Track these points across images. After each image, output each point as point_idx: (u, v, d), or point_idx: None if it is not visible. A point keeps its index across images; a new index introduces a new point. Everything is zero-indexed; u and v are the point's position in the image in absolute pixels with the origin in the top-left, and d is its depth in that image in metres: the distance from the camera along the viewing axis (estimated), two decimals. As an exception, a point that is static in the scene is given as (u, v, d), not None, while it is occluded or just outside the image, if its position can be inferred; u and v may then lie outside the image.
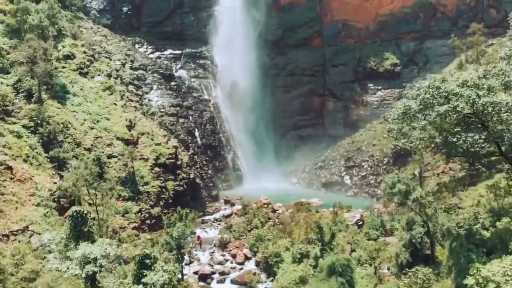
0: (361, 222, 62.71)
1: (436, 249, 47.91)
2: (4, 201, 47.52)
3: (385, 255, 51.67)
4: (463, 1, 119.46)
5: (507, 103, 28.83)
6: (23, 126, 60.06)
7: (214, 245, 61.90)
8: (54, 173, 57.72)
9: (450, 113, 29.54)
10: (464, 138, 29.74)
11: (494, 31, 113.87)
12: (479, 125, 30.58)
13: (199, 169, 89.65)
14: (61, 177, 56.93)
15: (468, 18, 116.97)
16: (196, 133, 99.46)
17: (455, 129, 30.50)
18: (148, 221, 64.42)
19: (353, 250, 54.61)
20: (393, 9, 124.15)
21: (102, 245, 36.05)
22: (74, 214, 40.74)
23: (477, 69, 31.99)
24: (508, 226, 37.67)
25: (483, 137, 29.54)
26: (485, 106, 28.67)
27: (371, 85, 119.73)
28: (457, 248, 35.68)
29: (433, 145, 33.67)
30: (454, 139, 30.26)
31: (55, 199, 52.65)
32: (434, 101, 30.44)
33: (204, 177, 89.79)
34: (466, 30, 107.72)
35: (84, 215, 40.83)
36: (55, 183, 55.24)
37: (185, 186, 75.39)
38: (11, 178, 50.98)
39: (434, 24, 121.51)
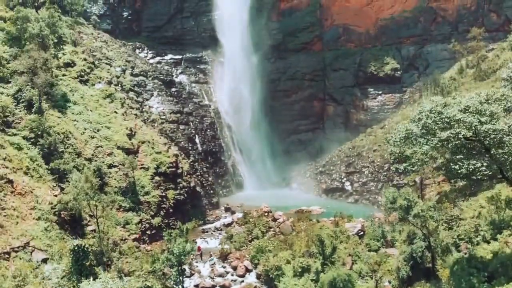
0: (362, 233, 62.62)
1: (438, 262, 47.96)
2: (5, 215, 47.50)
3: (386, 267, 51.65)
4: (464, 6, 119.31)
5: (509, 126, 28.72)
6: (24, 138, 59.91)
7: (214, 257, 61.70)
8: (55, 185, 57.62)
9: (452, 140, 29.50)
10: (466, 166, 29.70)
11: (495, 35, 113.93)
12: (482, 150, 30.46)
13: (199, 176, 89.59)
14: (62, 189, 56.89)
15: (468, 22, 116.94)
16: (197, 140, 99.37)
17: (457, 157, 30.43)
18: (148, 232, 64.35)
19: (354, 262, 54.58)
20: (394, 13, 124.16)
21: (104, 282, 35.83)
22: (76, 248, 40.65)
23: (479, 93, 31.64)
24: (510, 252, 37.43)
25: (485, 164, 29.48)
26: (488, 133, 28.63)
27: (372, 89, 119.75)
28: (459, 272, 35.61)
29: (434, 165, 33.56)
30: (456, 167, 30.23)
31: (56, 213, 52.60)
32: (435, 127, 30.41)
33: (205, 184, 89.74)
34: (467, 34, 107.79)
35: (85, 249, 40.69)
36: (55, 195, 55.18)
37: (185, 195, 75.33)
38: (12, 192, 50.94)
39: (435, 29, 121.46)
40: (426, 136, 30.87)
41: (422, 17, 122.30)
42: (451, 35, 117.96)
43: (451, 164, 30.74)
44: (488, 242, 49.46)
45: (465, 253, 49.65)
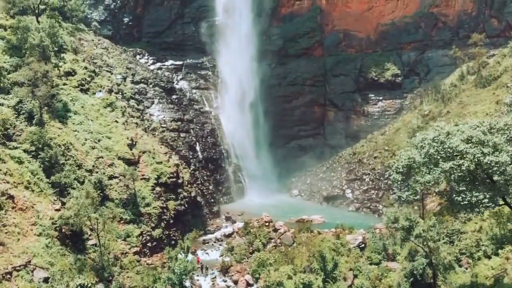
0: (363, 245, 62.48)
1: (439, 278, 47.94)
2: (6, 232, 47.41)
3: (387, 283, 51.67)
4: (464, 11, 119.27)
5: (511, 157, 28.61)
6: (24, 151, 59.42)
7: (215, 270, 61.61)
8: (56, 199, 57.40)
9: (454, 171, 29.44)
10: (469, 198, 29.62)
11: (496, 41, 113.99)
12: (485, 180, 30.35)
13: (200, 185, 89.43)
14: (63, 203, 56.73)
15: (469, 28, 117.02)
16: (197, 147, 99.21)
17: (460, 188, 30.37)
18: (149, 244, 64.15)
19: (355, 277, 54.53)
20: (394, 19, 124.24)
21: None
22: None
23: (482, 123, 31.47)
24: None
25: (488, 196, 29.39)
26: (490, 165, 28.56)
27: (372, 95, 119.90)
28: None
29: (437, 190, 33.50)
30: (459, 198, 30.18)
31: (57, 228, 52.45)
32: (438, 156, 30.36)
33: (205, 193, 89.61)
34: (468, 40, 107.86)
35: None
36: (57, 210, 55.02)
37: (186, 205, 75.19)
38: (13, 208, 50.80)
39: (435, 34, 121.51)
40: (429, 165, 30.85)
41: (422, 22, 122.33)
42: (451, 41, 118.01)
43: (454, 195, 30.69)
44: (489, 257, 49.54)
45: (466, 268, 49.80)
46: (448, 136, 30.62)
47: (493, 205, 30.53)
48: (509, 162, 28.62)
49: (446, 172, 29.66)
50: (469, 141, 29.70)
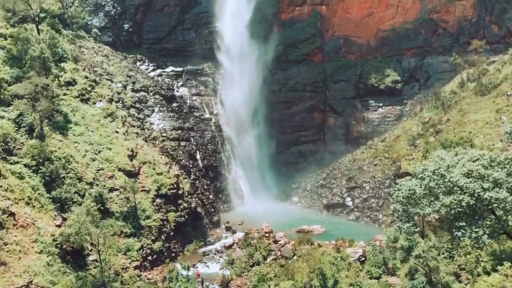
0: (363, 258, 62.52)
1: (439, 296, 48.01)
2: (7, 251, 47.59)
3: (386, 298, 51.75)
4: (465, 17, 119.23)
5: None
6: (25, 165, 59.50)
7: (216, 284, 61.73)
8: (57, 214, 57.51)
9: (455, 206, 29.54)
10: (469, 234, 29.74)
11: (496, 47, 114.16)
12: (484, 214, 30.41)
13: (200, 194, 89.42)
14: (64, 219, 56.85)
15: (469, 34, 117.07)
16: (198, 156, 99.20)
17: (460, 223, 30.45)
18: (149, 257, 64.20)
19: (355, 292, 54.63)
20: (394, 25, 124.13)
21: None
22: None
23: (482, 155, 31.53)
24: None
25: (487, 232, 29.50)
26: (490, 201, 28.66)
27: (372, 101, 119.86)
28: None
29: (437, 217, 33.60)
30: (459, 233, 30.29)
31: (58, 245, 52.61)
32: (438, 190, 30.46)
33: (205, 202, 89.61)
34: (468, 46, 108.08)
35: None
36: (57, 226, 55.18)
37: (186, 216, 75.22)
38: (14, 225, 50.97)
39: (436, 40, 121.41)
40: (429, 198, 30.97)
41: (423, 28, 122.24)
42: (452, 47, 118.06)
43: (454, 230, 30.80)
44: (489, 274, 49.60)
45: (466, 285, 49.87)
46: (448, 169, 30.73)
47: (493, 241, 30.64)
48: (509, 196, 28.66)
49: (447, 207, 29.78)
50: (469, 175, 29.83)
